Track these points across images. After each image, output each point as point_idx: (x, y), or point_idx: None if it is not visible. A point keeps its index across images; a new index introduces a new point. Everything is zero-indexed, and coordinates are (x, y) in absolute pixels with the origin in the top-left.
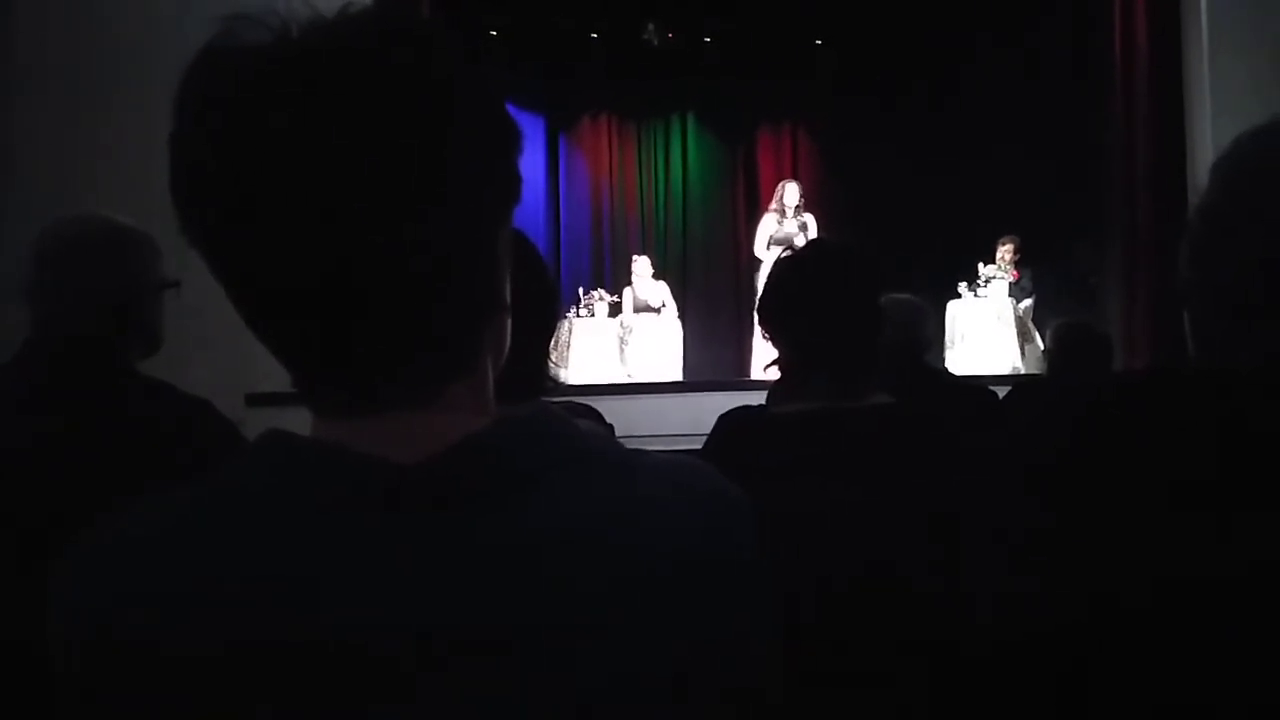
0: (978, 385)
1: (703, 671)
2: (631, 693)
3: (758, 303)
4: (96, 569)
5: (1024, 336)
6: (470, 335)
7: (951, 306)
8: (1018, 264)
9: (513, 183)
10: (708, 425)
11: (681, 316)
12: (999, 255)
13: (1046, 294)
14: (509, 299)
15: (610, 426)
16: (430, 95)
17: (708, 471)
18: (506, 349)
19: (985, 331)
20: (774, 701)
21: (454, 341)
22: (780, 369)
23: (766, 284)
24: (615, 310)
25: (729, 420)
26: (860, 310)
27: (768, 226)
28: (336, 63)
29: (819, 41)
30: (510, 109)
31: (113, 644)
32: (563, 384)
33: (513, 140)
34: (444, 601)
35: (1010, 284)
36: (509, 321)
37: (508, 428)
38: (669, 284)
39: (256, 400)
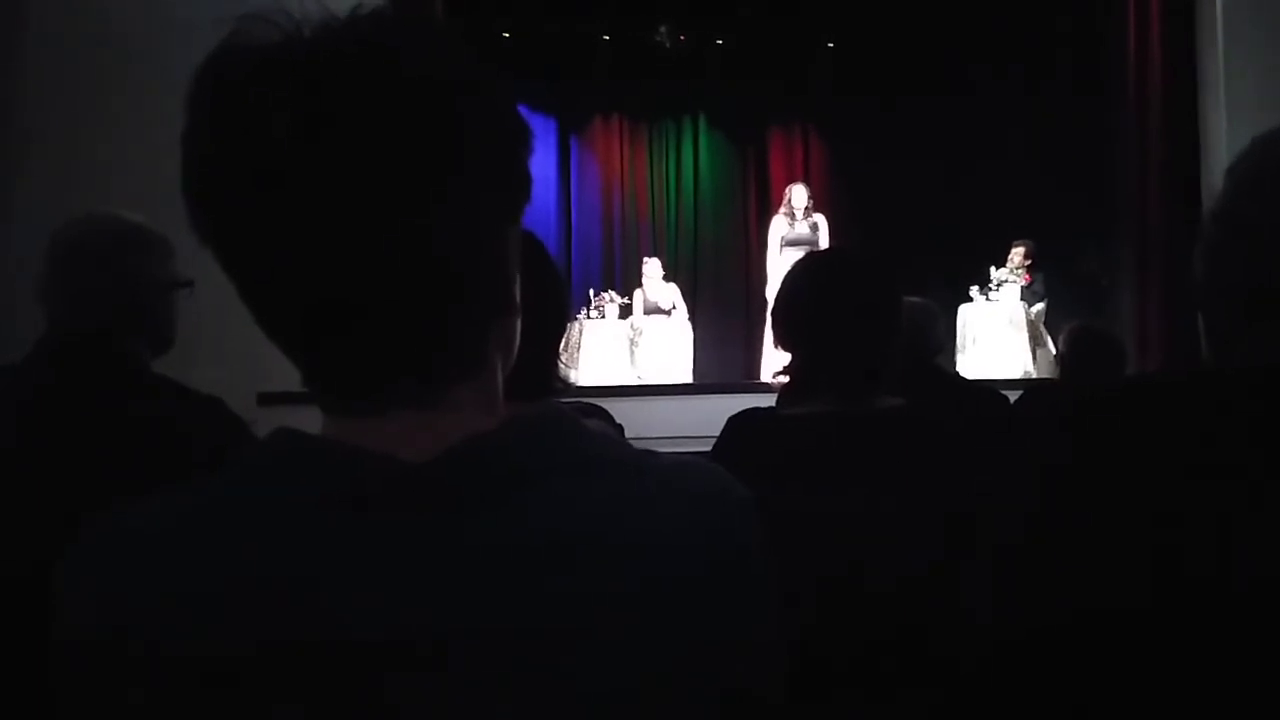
0: (988, 388)
1: (705, 672)
2: (633, 693)
3: (771, 307)
4: (100, 566)
5: (1036, 340)
6: (478, 335)
7: (963, 310)
8: (1030, 268)
9: (522, 182)
10: (718, 427)
11: (692, 318)
12: (1011, 259)
13: (1059, 298)
14: (519, 299)
15: (620, 427)
16: (439, 95)
17: (715, 472)
18: (515, 349)
19: (997, 335)
20: (777, 703)
21: (462, 341)
22: (791, 373)
23: (781, 288)
24: (626, 312)
25: (738, 422)
26: (874, 317)
27: (779, 228)
28: (346, 62)
29: (830, 44)
30: (521, 111)
31: (115, 641)
32: (572, 385)
33: (523, 140)
34: (446, 601)
35: (1022, 288)
36: (518, 322)
37: (515, 428)
38: (680, 286)
39: (269, 399)
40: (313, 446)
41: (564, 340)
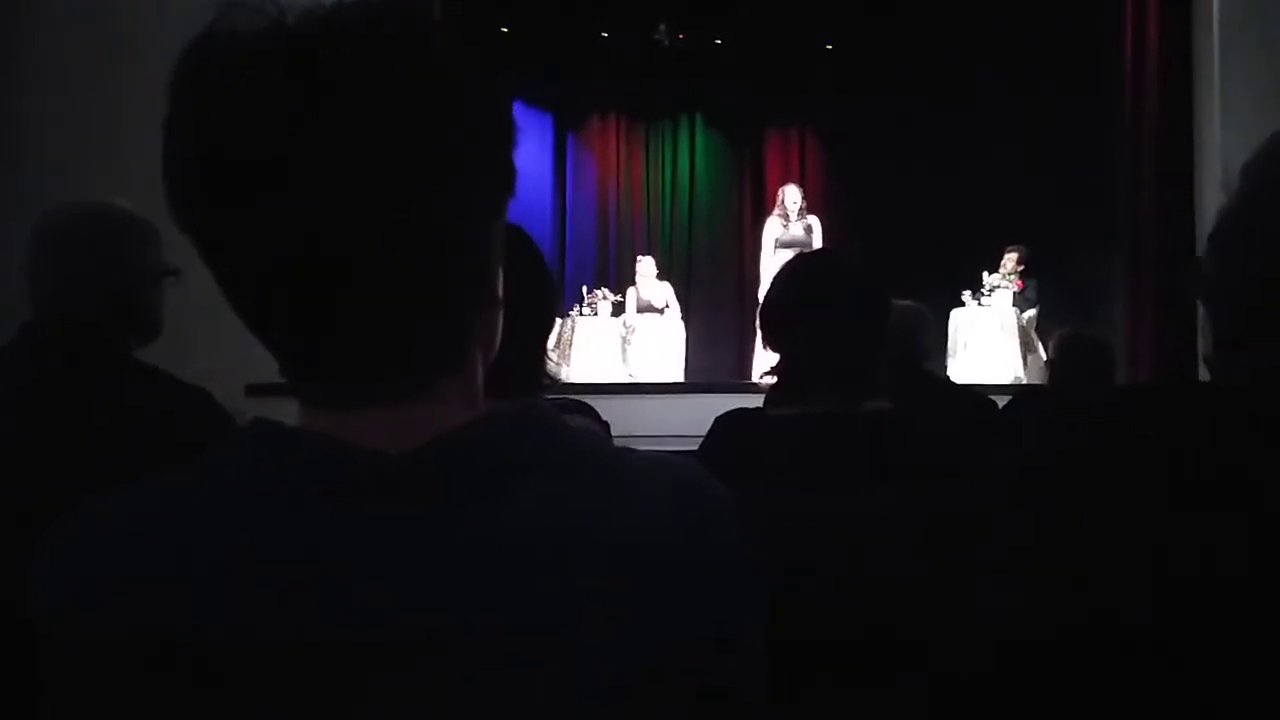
0: (976, 392)
1: (683, 668)
2: (611, 688)
3: (760, 308)
4: (73, 557)
5: (1027, 346)
6: (459, 329)
7: (955, 315)
8: (1022, 273)
9: (507, 175)
10: (708, 426)
11: (685, 317)
12: (1004, 264)
13: (1051, 304)
14: (502, 293)
15: (606, 424)
16: (422, 84)
17: (692, 469)
18: (497, 343)
19: (988, 340)
20: (758, 701)
21: (442, 335)
22: (779, 374)
23: (769, 289)
24: (619, 310)
25: (725, 421)
26: (862, 319)
27: (773, 230)
28: (329, 50)
29: (829, 46)
30: (519, 107)
31: (87, 632)
32: (559, 380)
33: (508, 133)
34: (422, 594)
35: (1014, 293)
36: (500, 316)
37: (493, 422)
38: (673, 285)
39: (256, 390)
40: (289, 437)
41: (555, 337)
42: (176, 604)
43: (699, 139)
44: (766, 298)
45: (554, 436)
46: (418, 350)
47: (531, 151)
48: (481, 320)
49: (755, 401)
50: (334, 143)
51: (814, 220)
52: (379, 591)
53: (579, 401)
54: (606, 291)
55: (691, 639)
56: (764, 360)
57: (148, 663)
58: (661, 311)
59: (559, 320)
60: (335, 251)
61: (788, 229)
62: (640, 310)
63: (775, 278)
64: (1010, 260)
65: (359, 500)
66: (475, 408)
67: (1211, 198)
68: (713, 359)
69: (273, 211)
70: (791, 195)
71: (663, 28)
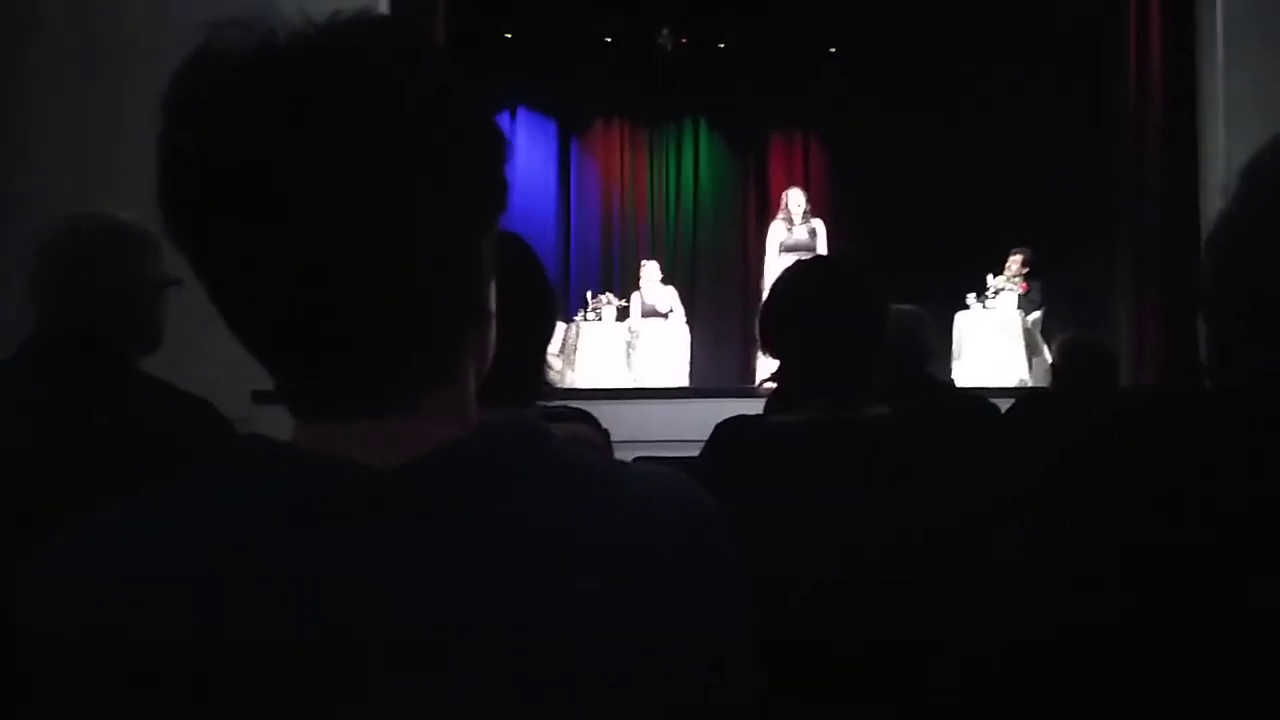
0: (977, 396)
1: (683, 667)
2: (611, 688)
3: (758, 315)
4: (62, 562)
5: (1032, 349)
6: (451, 343)
7: (959, 318)
8: (1027, 276)
9: (496, 190)
10: None
11: (689, 322)
12: (1008, 266)
13: (1056, 306)
14: (501, 304)
15: (605, 432)
16: (413, 102)
17: (681, 481)
18: (490, 356)
19: (993, 343)
20: (745, 704)
21: (434, 349)
22: (778, 380)
23: (767, 296)
24: (623, 314)
25: (725, 428)
26: (859, 324)
27: (777, 234)
28: (319, 68)
29: (832, 50)
30: (523, 112)
31: (73, 639)
32: (559, 389)
33: (495, 147)
34: (409, 606)
35: (1019, 296)
36: (492, 329)
37: (483, 436)
38: (678, 289)
39: (263, 398)
40: (278, 452)
41: (559, 342)
42: (166, 610)
43: (703, 143)
44: (764, 305)
45: (542, 449)
46: (409, 366)
47: (535, 156)
48: (473, 334)
49: (760, 407)
50: (314, 157)
51: (818, 223)
52: (376, 594)
53: (578, 409)
54: (611, 296)
55: (692, 639)
56: (768, 365)
57: (138, 669)
58: (666, 316)
59: (563, 325)
60: (320, 269)
61: (792, 232)
62: (645, 315)
63: (772, 285)
64: (1015, 262)
65: (344, 514)
66: (467, 421)
67: (1216, 199)
68: (717, 363)
69: (258, 229)
70: (795, 199)
71: (665, 32)
